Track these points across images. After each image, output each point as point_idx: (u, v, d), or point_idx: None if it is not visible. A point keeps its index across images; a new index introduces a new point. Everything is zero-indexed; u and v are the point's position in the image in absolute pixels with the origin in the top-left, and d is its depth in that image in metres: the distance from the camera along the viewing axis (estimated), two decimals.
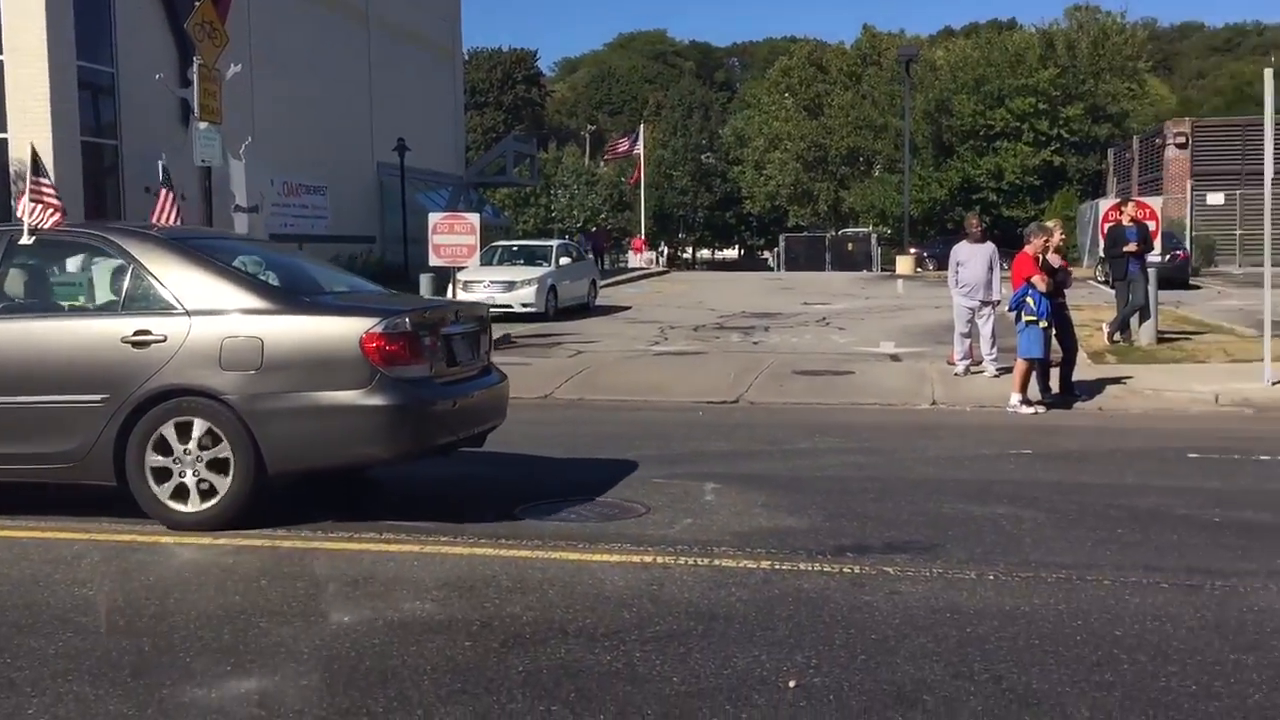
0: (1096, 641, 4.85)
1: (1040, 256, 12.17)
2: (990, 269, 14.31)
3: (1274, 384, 12.75)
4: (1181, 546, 6.39)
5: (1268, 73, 13.04)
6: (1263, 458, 9.23)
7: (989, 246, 14.56)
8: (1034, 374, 12.14)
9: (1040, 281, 11.91)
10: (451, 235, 19.43)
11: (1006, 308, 13.01)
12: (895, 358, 16.86)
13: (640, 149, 61.22)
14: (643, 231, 61.48)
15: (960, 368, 14.48)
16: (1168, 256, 29.49)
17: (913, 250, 46.48)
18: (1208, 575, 5.77)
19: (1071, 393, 12.64)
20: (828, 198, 65.85)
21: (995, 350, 14.19)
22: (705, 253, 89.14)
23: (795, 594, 5.55)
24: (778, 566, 6.02)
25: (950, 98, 54.48)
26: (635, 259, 53.76)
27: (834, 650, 4.78)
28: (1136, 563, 6.02)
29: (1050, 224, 13.67)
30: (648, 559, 6.17)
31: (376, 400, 6.68)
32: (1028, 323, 11.87)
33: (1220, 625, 5.04)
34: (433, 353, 7.12)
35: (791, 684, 4.41)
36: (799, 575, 5.87)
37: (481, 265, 23.77)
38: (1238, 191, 39.24)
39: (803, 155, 65.91)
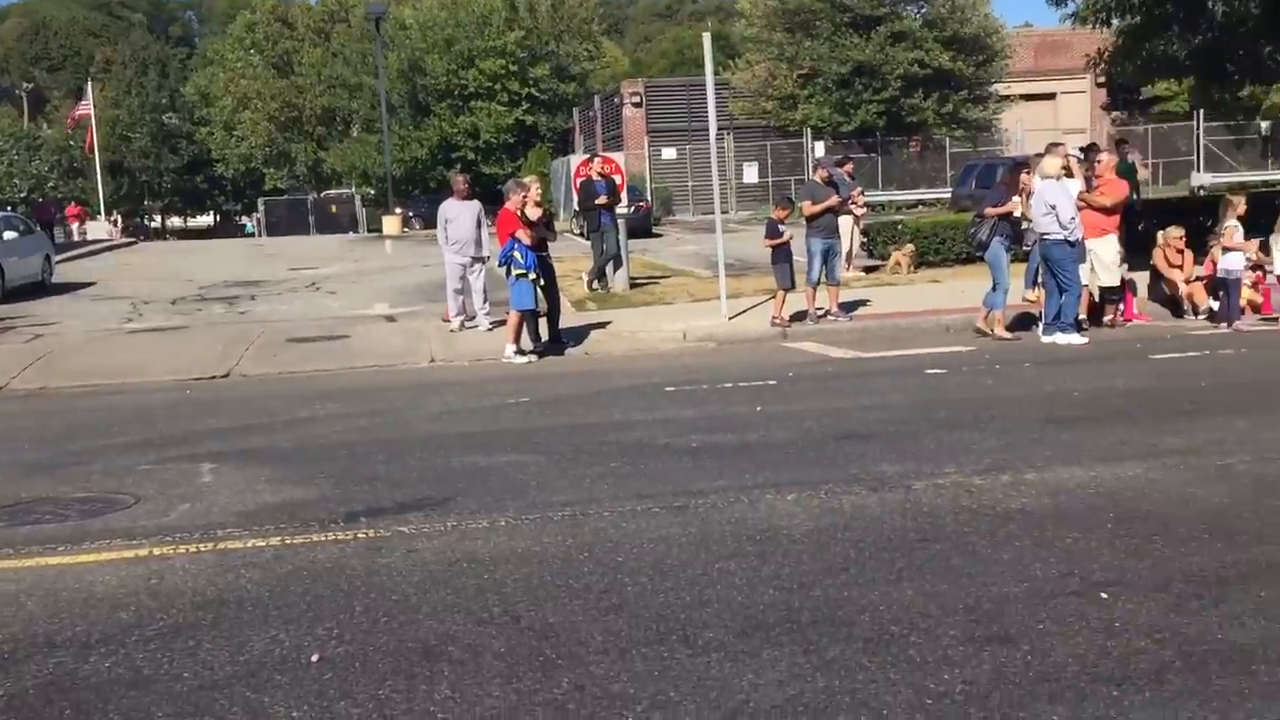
0: (603, 570, 5.17)
1: (522, 212, 12.64)
2: (479, 225, 14.65)
3: (730, 319, 14.28)
4: (667, 473, 6.97)
5: (706, 37, 14.40)
6: (726, 385, 10.28)
7: (476, 204, 14.90)
8: (525, 325, 12.64)
9: (525, 235, 12.38)
10: None
11: (496, 263, 13.40)
12: (390, 318, 16.82)
13: (90, 109, 55.61)
14: (101, 200, 56.09)
15: (455, 324, 14.74)
16: (633, 208, 31.90)
17: (399, 210, 46.43)
18: (691, 496, 6.35)
19: (560, 340, 13.32)
20: (307, 159, 63.93)
21: (488, 305, 14.59)
22: (177, 221, 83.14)
23: (310, 567, 5.39)
24: (289, 541, 5.81)
25: (423, 57, 54.80)
26: (94, 230, 48.91)
27: (355, 617, 4.70)
28: (631, 492, 6.49)
29: (527, 180, 14.22)
30: (143, 552, 5.69)
31: None
32: (517, 276, 12.31)
33: (706, 539, 5.57)
34: None
35: (315, 658, 4.29)
36: (312, 547, 5.70)
37: None
38: (687, 147, 43.26)
39: (275, 116, 63.36)
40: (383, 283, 22.25)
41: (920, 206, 37.71)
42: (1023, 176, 12.74)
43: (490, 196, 25.34)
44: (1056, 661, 4.00)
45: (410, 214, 46.46)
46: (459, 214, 14.66)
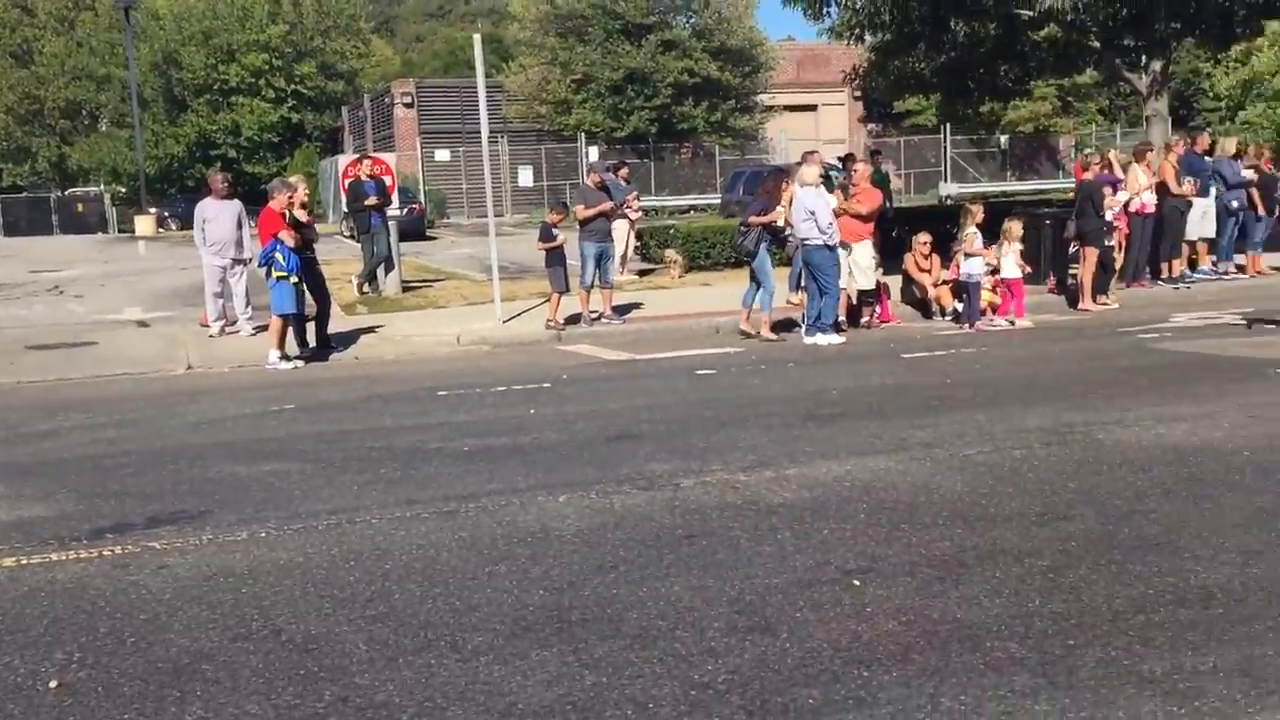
0: (370, 578, 5.05)
1: (286, 212, 12.21)
2: (239, 226, 14.07)
3: (504, 322, 14.22)
4: (438, 477, 6.88)
5: (476, 39, 14.30)
6: (500, 388, 10.23)
7: (236, 204, 14.30)
8: (290, 329, 12.22)
9: (288, 237, 11.96)
10: None
11: (257, 264, 12.90)
12: (144, 323, 15.91)
13: None
14: None
15: (215, 329, 14.10)
16: (405, 210, 31.37)
17: (153, 210, 44.06)
18: (462, 500, 6.29)
19: (328, 345, 12.94)
20: (49, 155, 59.69)
21: (250, 309, 14.03)
22: None
23: (49, 587, 5.04)
24: (25, 561, 5.41)
25: (178, 50, 52.17)
26: None
27: (100, 639, 4.42)
28: (400, 498, 6.37)
29: (293, 180, 13.75)
30: None
31: None
32: (279, 279, 11.88)
33: (476, 542, 5.53)
34: None
35: (53, 684, 4.01)
36: (52, 567, 5.33)
37: None
38: (461, 149, 42.89)
39: (14, 108, 58.92)
40: (135, 286, 21.03)
41: (692, 211, 38.66)
42: (771, 183, 13.25)
43: (255, 196, 24.40)
44: (812, 647, 4.17)
45: (166, 214, 44.21)
46: (218, 214, 14.02)
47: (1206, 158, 16.64)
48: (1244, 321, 12.36)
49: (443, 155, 43.34)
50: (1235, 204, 16.20)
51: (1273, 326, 11.91)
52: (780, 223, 13.03)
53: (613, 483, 6.55)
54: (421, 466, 7.16)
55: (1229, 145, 17.41)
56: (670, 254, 19.55)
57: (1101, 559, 4.99)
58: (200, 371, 12.34)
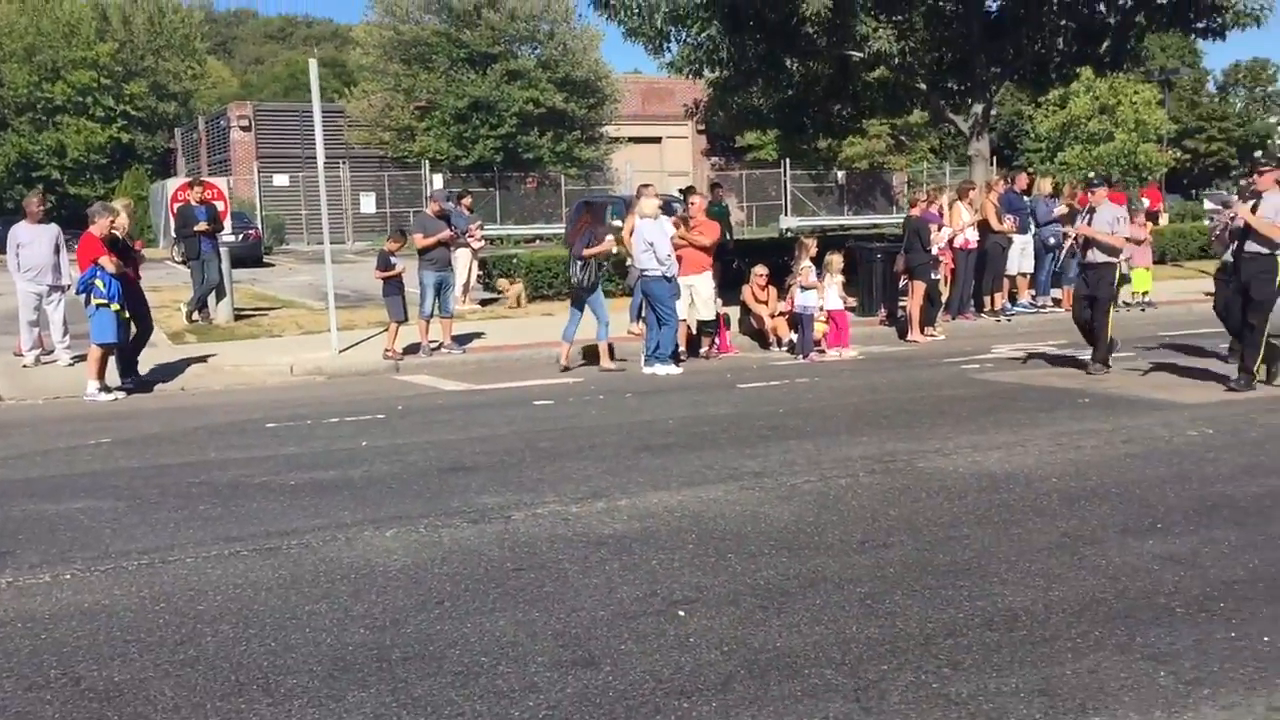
0: (180, 621, 4.85)
1: (108, 236, 11.71)
2: (57, 251, 13.43)
3: (341, 351, 13.93)
4: (260, 513, 6.66)
5: (312, 64, 14.05)
6: (332, 420, 10.00)
7: (53, 228, 13.66)
8: (111, 359, 11.70)
9: (109, 262, 11.47)
10: None
11: (75, 291, 12.31)
12: None
13: None
14: None
15: (30, 358, 13.41)
16: (241, 236, 30.55)
17: None
18: (284, 536, 6.10)
19: (133, 373, 12.26)
20: None
21: (68, 337, 13.38)
22: None
23: None
24: None
25: None
26: None
27: None
28: (218, 536, 6.14)
29: (117, 204, 13.19)
30: None
31: None
32: (99, 306, 11.38)
33: (297, 580, 5.37)
34: None
35: None
36: None
37: None
38: (300, 174, 41.93)
39: None
40: None
41: (537, 241, 38.67)
42: (590, 216, 13.40)
43: (78, 220, 23.34)
44: (634, 679, 4.18)
45: None
46: (33, 239, 13.36)
47: (1025, 196, 17.51)
48: (1023, 355, 12.87)
49: (282, 180, 42.30)
50: (1053, 240, 17.06)
51: (1042, 360, 12.44)
52: (614, 250, 13.14)
53: (442, 516, 6.46)
54: (243, 502, 6.92)
55: (1044, 185, 18.39)
56: (504, 283, 19.51)
57: (917, 584, 5.16)
58: (12, 403, 11.71)
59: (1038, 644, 4.44)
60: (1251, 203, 10.13)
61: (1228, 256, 10.47)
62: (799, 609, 4.87)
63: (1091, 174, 19.48)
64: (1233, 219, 10.31)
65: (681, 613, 4.85)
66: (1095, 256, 11.37)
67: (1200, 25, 18.12)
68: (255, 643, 4.59)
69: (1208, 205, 12.26)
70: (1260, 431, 8.44)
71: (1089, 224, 11.45)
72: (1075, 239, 11.56)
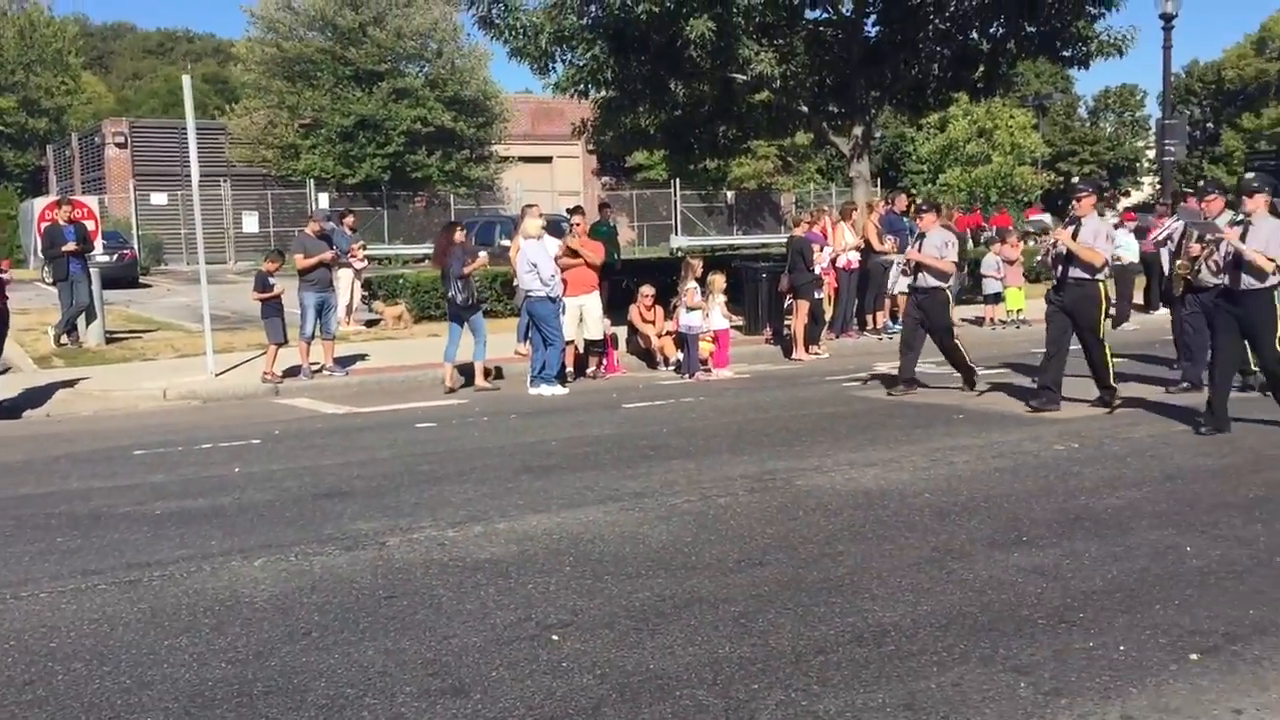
0: (31, 659, 4.64)
1: None
2: None
3: (217, 375, 13.56)
4: (123, 545, 6.42)
5: (186, 80, 13.76)
6: (205, 446, 9.71)
7: None
8: None
9: None
10: None
11: None
12: None
13: None
14: None
15: None
16: (114, 256, 29.61)
17: None
18: (147, 568, 5.89)
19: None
20: None
21: None
22: None
23: None
24: None
25: None
26: None
27: None
28: (75, 569, 5.90)
29: None
30: None
31: None
32: None
33: (157, 614, 5.18)
34: None
35: None
36: None
37: None
38: (180, 192, 40.77)
39: None
40: None
41: (426, 260, 38.18)
42: (458, 234, 13.29)
43: None
44: (505, 706, 4.12)
45: None
46: None
47: (904, 217, 17.91)
48: (866, 377, 12.98)
49: (159, 199, 41.08)
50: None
51: (877, 383, 12.51)
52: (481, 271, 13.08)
53: (315, 543, 6.31)
54: (105, 533, 6.67)
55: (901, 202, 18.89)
56: (380, 306, 19.26)
57: (790, 602, 5.20)
58: None
59: (905, 659, 4.51)
60: (1071, 228, 10.16)
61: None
62: (673, 630, 4.87)
63: (920, 199, 19.98)
64: (1054, 245, 10.26)
65: (555, 637, 4.81)
66: (925, 280, 11.48)
67: (1067, 54, 18.80)
68: (109, 680, 4.41)
69: (1027, 229, 12.57)
70: (1122, 445, 8.75)
71: (919, 249, 11.58)
72: (907, 262, 11.74)
